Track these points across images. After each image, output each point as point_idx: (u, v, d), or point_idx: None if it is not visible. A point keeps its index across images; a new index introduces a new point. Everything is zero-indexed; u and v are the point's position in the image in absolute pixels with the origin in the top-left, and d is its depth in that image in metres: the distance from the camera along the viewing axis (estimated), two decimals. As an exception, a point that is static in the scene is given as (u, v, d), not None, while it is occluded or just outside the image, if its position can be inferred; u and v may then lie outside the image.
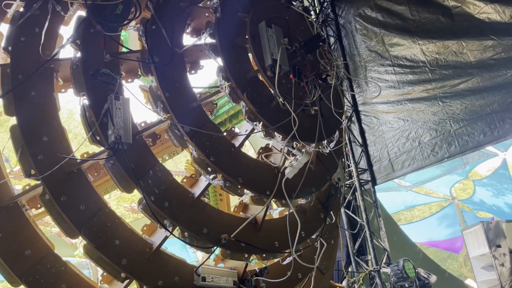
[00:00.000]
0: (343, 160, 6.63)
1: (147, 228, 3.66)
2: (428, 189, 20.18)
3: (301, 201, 4.35)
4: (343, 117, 4.45)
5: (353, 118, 7.63)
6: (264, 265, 4.11)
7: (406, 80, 6.89)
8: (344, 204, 7.06)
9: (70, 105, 21.12)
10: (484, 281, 9.50)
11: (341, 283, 6.43)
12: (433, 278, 6.24)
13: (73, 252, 12.51)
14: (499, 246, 9.43)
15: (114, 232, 3.29)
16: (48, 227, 10.84)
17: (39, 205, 3.45)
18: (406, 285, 6.19)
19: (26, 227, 3.21)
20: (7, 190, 3.23)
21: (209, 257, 3.67)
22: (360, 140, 7.39)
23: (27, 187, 3.34)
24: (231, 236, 3.61)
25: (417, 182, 17.06)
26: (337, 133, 4.49)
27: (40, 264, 3.12)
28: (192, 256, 12.47)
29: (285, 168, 3.89)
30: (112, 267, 3.28)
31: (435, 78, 6.55)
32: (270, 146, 4.25)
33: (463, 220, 17.46)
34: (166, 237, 3.45)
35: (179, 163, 18.59)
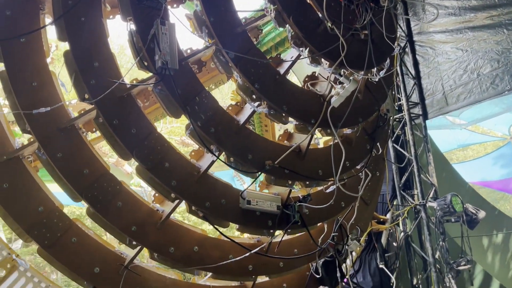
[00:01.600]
0: (394, 92, 6.40)
1: (194, 154, 3.79)
2: (485, 128, 19.17)
3: (347, 130, 4.30)
4: (395, 44, 4.21)
5: (407, 49, 7.21)
6: (307, 193, 4.20)
7: (468, 6, 6.31)
8: (393, 139, 6.90)
9: (121, 40, 21.48)
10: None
11: (385, 215, 6.47)
12: (481, 214, 6.12)
13: (129, 181, 13.35)
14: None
15: (164, 155, 3.45)
16: (105, 157, 11.58)
17: (94, 129, 3.65)
18: (452, 220, 6.13)
19: (83, 148, 3.43)
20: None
21: (253, 181, 3.79)
22: (413, 72, 7.02)
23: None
24: (275, 162, 3.68)
25: (472, 120, 16.21)
26: (388, 61, 4.29)
27: (97, 182, 3.36)
28: (239, 188, 12.92)
29: (331, 96, 3.82)
30: (163, 188, 3.48)
31: (502, 3, 5.95)
32: (316, 74, 4.16)
33: (522, 166, 16.57)
34: (213, 161, 3.57)
35: (225, 97, 18.76)
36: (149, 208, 3.59)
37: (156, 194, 3.71)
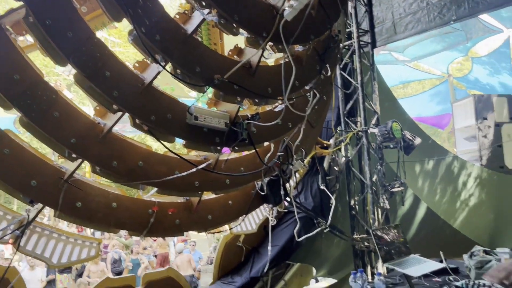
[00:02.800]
0: (345, 18, 6.32)
1: (139, 65, 3.56)
2: (425, 66, 19.89)
3: (298, 47, 4.22)
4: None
5: (360, -25, 7.06)
6: (256, 111, 4.16)
7: None
8: (341, 66, 6.94)
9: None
10: (464, 151, 10.00)
11: (329, 141, 6.67)
12: (417, 141, 6.48)
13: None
14: (485, 118, 9.70)
15: (104, 63, 3.20)
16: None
17: (24, 32, 3.28)
18: (391, 146, 6.46)
19: (13, 51, 3.08)
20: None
21: (201, 96, 3.67)
22: (365, -2, 6.96)
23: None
24: (225, 77, 3.56)
25: (415, 57, 16.77)
26: (343, -22, 4.15)
27: (30, 90, 3.07)
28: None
29: (284, 9, 3.67)
30: (104, 98, 3.26)
31: None
32: (270, -15, 3.94)
33: (454, 98, 17.58)
34: (158, 72, 3.38)
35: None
36: (89, 121, 3.38)
37: (97, 107, 3.49)
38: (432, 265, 4.06)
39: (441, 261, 4.23)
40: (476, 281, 3.47)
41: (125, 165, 3.44)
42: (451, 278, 4.00)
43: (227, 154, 4.22)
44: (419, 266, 3.99)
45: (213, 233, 4.43)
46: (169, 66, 3.41)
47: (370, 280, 4.55)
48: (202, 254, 14.15)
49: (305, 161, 4.98)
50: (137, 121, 3.44)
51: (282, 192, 4.52)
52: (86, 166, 3.46)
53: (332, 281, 7.37)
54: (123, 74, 3.32)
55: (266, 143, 4.38)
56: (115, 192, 3.61)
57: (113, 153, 3.40)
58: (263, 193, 4.38)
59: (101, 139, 3.34)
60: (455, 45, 15.22)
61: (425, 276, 3.99)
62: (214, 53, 3.75)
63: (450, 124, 16.90)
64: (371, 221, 6.40)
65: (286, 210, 6.11)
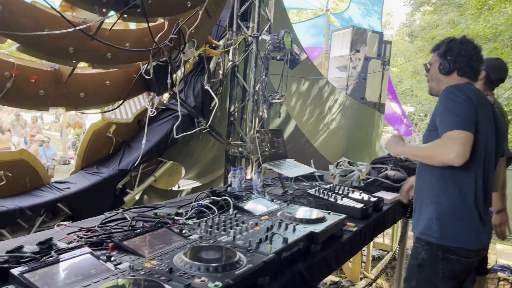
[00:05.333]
0: None
1: None
2: (309, -4, 20.18)
3: None
4: None
5: None
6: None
7: None
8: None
9: None
10: (333, 78, 10.65)
11: (219, 41, 6.30)
12: (303, 56, 6.55)
13: None
14: (358, 51, 10.37)
15: None
16: None
17: None
18: (278, 57, 6.41)
19: None
20: None
21: None
22: None
23: None
24: None
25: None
26: None
27: None
28: None
29: None
30: None
31: None
32: None
33: (328, 33, 18.37)
34: None
35: None
36: None
37: None
38: (305, 169, 4.23)
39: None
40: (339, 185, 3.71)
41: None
42: (317, 183, 4.24)
43: (111, 23, 3.56)
44: (294, 169, 4.11)
45: (84, 113, 3.82)
46: None
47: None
48: (57, 152, 13.00)
49: (196, 54, 4.57)
50: None
51: (168, 81, 4.11)
52: None
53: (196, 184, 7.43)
54: None
55: (159, 20, 3.83)
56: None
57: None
58: (147, 77, 3.91)
59: None
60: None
61: (295, 179, 4.17)
62: None
63: (319, 57, 17.85)
64: (247, 128, 6.43)
65: (164, 107, 5.74)
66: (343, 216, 2.59)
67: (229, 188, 3.23)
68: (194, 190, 6.94)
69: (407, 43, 36.27)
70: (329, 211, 2.62)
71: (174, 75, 4.38)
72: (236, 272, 1.61)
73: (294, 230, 2.22)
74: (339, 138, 10.23)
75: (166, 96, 5.79)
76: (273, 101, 6.43)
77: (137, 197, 5.64)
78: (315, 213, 2.54)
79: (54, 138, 17.31)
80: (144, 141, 4.72)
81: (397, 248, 4.21)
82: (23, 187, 4.14)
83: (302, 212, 2.57)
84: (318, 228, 2.29)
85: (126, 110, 4.98)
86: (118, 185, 4.87)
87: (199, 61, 6.09)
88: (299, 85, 8.65)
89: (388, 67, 11.00)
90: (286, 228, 2.24)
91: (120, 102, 3.97)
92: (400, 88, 31.31)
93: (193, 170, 6.88)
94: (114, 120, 4.86)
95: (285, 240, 2.02)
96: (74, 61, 3.24)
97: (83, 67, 3.56)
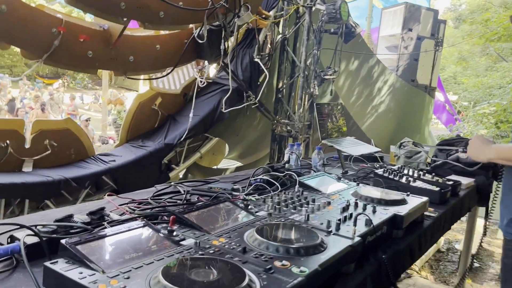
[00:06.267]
0: None
1: None
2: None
3: None
4: None
5: None
6: None
7: None
8: None
9: None
10: (383, 58, 10.05)
11: (269, 12, 5.94)
12: (359, 29, 6.09)
13: None
14: (410, 29, 9.71)
15: None
16: None
17: None
18: (332, 30, 5.97)
19: None
20: None
21: None
22: None
23: None
24: None
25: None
26: None
27: None
28: None
29: None
30: None
31: None
32: None
33: (370, 15, 17.53)
34: None
35: None
36: None
37: None
38: (368, 148, 3.86)
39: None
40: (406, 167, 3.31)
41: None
42: (378, 165, 3.87)
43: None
44: (356, 147, 3.75)
45: (133, 79, 3.60)
46: None
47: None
48: (94, 131, 13.15)
49: (252, 18, 4.23)
50: None
51: (221, 48, 3.81)
52: None
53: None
54: None
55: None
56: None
57: None
58: (200, 41, 3.62)
59: None
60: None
61: (354, 160, 3.82)
62: None
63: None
64: (296, 106, 6.08)
65: (211, 81, 5.47)
66: (426, 199, 2.24)
67: (287, 165, 2.94)
68: (237, 169, 6.70)
69: (451, 28, 34.51)
70: (408, 193, 2.28)
71: (226, 43, 4.08)
72: (322, 257, 1.32)
73: (374, 211, 1.90)
74: (387, 122, 9.67)
75: (212, 73, 5.54)
76: (325, 77, 6.03)
77: (180, 175, 5.45)
78: (394, 195, 2.20)
79: (94, 119, 17.48)
80: (191, 114, 4.47)
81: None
82: (68, 158, 4.01)
83: (379, 192, 2.24)
84: (401, 210, 1.96)
85: (175, 81, 4.74)
86: (164, 160, 4.67)
87: (247, 33, 5.77)
88: (348, 63, 8.17)
89: (441, 48, 10.27)
90: (365, 209, 1.92)
91: (170, 69, 3.72)
92: (443, 75, 29.85)
93: (236, 149, 6.63)
94: (162, 90, 4.63)
95: (369, 222, 1.70)
96: (125, 19, 2.99)
97: (133, 29, 3.32)
